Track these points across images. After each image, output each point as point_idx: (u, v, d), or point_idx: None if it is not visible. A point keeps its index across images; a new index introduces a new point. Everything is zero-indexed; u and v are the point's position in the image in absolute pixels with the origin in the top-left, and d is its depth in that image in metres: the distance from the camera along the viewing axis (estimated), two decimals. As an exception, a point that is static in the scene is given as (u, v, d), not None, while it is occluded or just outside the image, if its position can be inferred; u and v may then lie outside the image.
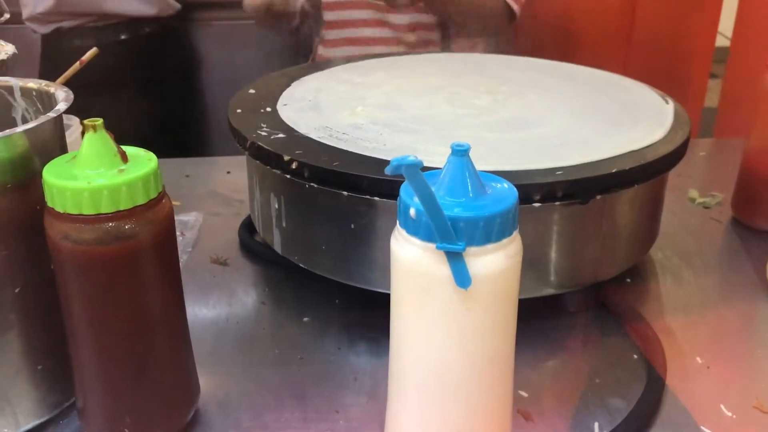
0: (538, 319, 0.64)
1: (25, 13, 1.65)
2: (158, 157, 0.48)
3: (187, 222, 0.80)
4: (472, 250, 0.41)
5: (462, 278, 0.41)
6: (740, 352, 0.62)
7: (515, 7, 1.25)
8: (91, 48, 0.70)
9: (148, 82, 1.73)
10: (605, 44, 1.73)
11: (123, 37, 1.67)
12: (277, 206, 0.65)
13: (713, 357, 0.60)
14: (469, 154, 0.42)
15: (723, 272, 0.74)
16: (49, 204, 0.44)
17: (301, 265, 0.66)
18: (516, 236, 0.43)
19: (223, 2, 2.03)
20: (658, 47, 1.67)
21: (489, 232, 0.41)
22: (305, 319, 0.65)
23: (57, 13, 1.62)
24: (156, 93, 1.76)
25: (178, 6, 1.78)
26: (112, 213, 0.44)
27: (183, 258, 0.74)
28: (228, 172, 0.94)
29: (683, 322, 0.65)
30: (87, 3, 1.61)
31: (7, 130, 0.45)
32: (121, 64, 1.64)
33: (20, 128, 0.46)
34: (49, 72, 1.69)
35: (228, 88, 0.89)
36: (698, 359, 0.60)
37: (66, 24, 1.64)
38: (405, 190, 0.42)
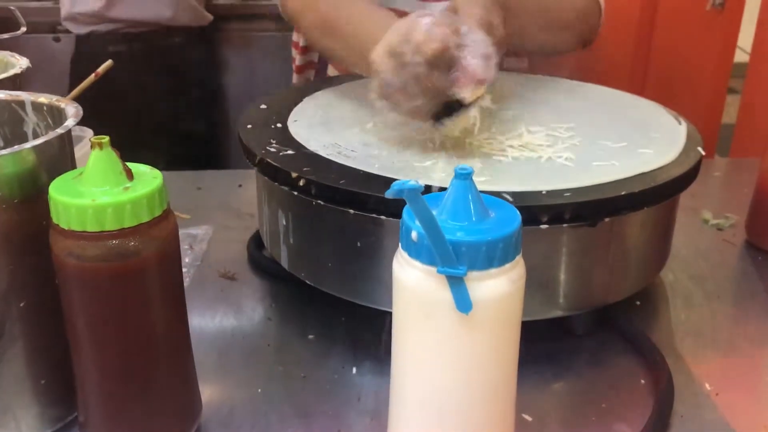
0: (545, 341, 0.63)
1: (63, 11, 1.67)
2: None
3: (197, 235, 0.81)
4: (473, 275, 0.40)
5: (463, 303, 0.40)
6: (750, 378, 0.61)
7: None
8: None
9: (172, 92, 1.75)
10: (624, 59, 1.72)
11: (155, 44, 1.68)
12: (284, 222, 0.66)
13: (722, 384, 0.60)
14: (475, 175, 0.42)
15: (735, 296, 0.73)
16: (54, 220, 0.45)
17: (307, 281, 0.66)
18: (519, 261, 0.43)
19: (244, 14, 2.05)
20: (677, 63, 1.66)
21: (491, 256, 0.40)
22: (310, 336, 0.65)
23: (96, 16, 1.63)
24: (178, 103, 1.77)
25: (210, 17, 1.80)
26: (116, 230, 0.44)
27: (191, 271, 0.75)
28: (240, 186, 0.94)
29: (692, 347, 0.64)
30: (128, 9, 1.63)
31: (16, 146, 0.46)
32: (147, 72, 1.66)
33: (28, 144, 0.46)
34: (79, 74, 1.71)
35: (248, 99, 0.90)
36: (707, 385, 0.59)
37: (101, 28, 1.65)
38: (407, 213, 0.42)
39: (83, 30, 1.67)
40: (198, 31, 1.79)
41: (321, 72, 1.15)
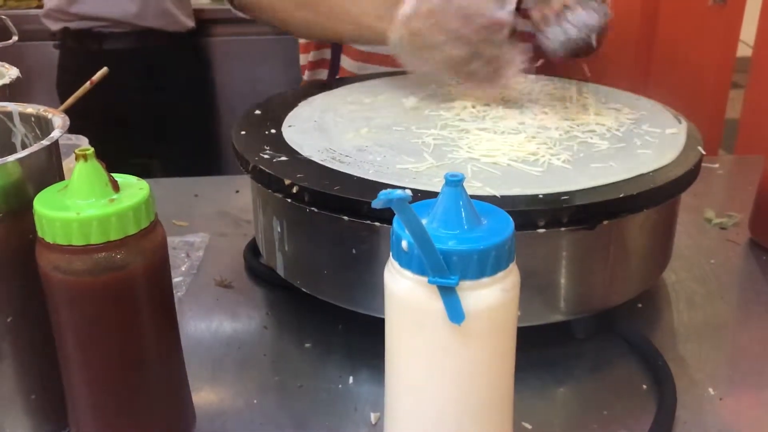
0: (545, 346, 0.62)
1: (43, 10, 1.69)
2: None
3: (194, 243, 0.80)
4: (466, 284, 0.39)
5: (455, 313, 0.39)
6: (755, 382, 0.60)
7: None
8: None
9: (165, 98, 1.74)
10: (626, 56, 1.70)
11: (132, 45, 1.68)
12: (279, 230, 0.65)
13: (726, 388, 0.58)
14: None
15: (739, 297, 0.72)
16: (40, 234, 0.44)
17: (303, 289, 0.65)
18: (513, 269, 0.42)
19: (242, 18, 2.04)
20: (679, 59, 1.65)
21: (483, 265, 0.39)
22: (307, 345, 0.64)
23: (61, 11, 1.64)
24: (173, 108, 1.77)
25: (189, 24, 1.78)
26: (102, 243, 0.43)
27: (188, 280, 0.74)
28: (237, 192, 0.93)
29: (696, 350, 0.63)
30: (92, 5, 1.63)
31: (-1, 159, 0.45)
32: (132, 75, 1.65)
33: (12, 157, 0.45)
34: (63, 75, 1.71)
35: (248, 103, 0.88)
36: (711, 390, 0.58)
37: (73, 25, 1.65)
38: (397, 222, 0.41)
39: (56, 26, 1.68)
40: (185, 36, 1.78)
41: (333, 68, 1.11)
